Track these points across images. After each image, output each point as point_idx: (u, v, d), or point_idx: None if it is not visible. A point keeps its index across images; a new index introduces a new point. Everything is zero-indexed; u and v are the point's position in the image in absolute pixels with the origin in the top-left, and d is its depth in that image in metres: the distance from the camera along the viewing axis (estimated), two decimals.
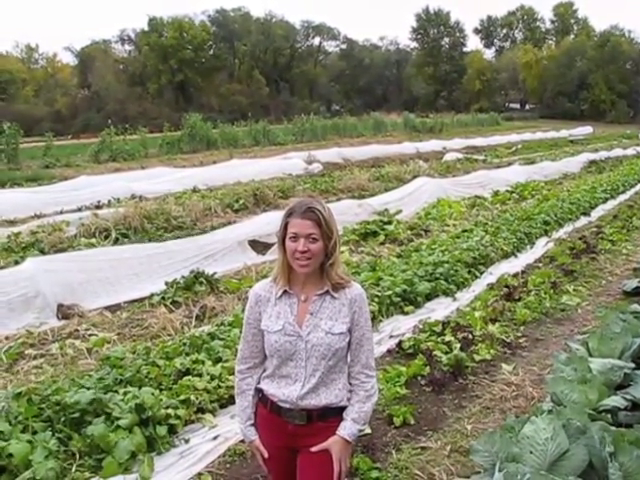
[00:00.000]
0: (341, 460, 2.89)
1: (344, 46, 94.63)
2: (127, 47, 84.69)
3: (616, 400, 4.41)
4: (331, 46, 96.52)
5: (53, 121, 58.97)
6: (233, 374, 5.50)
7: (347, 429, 2.89)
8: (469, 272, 9.36)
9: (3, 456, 4.28)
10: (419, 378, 6.04)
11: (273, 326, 2.89)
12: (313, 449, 2.90)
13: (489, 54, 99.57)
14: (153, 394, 5.07)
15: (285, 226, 2.82)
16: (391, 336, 7.19)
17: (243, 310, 5.99)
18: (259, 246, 10.87)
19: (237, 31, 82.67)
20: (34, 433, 4.58)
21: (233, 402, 5.41)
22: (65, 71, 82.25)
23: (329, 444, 2.88)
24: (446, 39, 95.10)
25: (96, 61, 74.64)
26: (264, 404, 3.01)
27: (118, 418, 4.71)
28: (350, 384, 2.96)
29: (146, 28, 78.66)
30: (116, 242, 11.49)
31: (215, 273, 9.18)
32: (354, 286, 2.93)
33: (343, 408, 2.93)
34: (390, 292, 7.90)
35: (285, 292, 2.91)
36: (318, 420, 2.91)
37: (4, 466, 4.26)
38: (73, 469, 4.43)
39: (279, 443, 3.00)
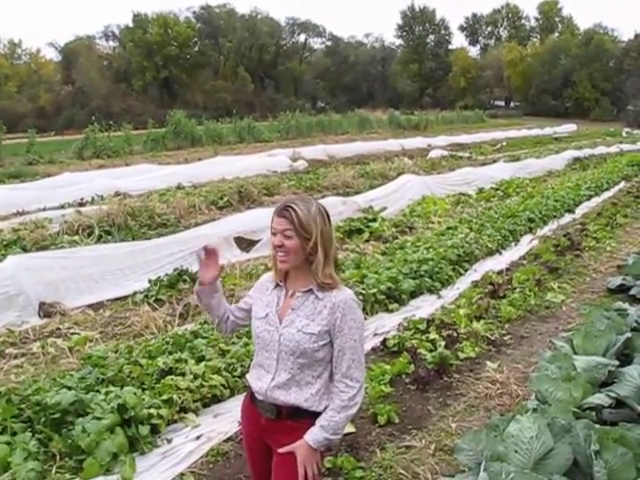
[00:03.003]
0: (305, 464, 2.85)
1: (329, 43, 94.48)
2: (111, 43, 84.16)
3: (600, 398, 4.40)
4: (316, 43, 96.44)
5: (36, 117, 58.48)
6: (216, 373, 5.53)
7: (313, 434, 2.84)
8: (454, 269, 9.36)
9: None
10: (403, 376, 6.02)
11: (260, 313, 2.98)
12: (280, 450, 2.90)
13: (474, 52, 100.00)
14: (135, 394, 5.01)
15: (271, 222, 2.90)
16: (375, 334, 7.17)
17: None
18: (243, 243, 10.82)
19: (222, 28, 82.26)
20: (13, 434, 4.53)
21: (216, 401, 5.45)
22: (49, 67, 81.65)
23: (295, 447, 2.86)
24: (431, 36, 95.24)
25: (80, 57, 74.04)
26: (249, 394, 3.08)
27: (100, 418, 4.65)
28: (331, 390, 2.91)
29: (130, 24, 78.17)
30: (99, 239, 11.38)
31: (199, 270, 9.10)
32: (343, 291, 2.90)
33: (318, 413, 2.89)
34: (375, 290, 7.87)
35: (278, 284, 2.99)
36: (288, 418, 2.90)
37: None
38: (53, 471, 4.37)
39: (254, 434, 3.07)
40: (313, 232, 2.83)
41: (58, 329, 7.50)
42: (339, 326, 2.84)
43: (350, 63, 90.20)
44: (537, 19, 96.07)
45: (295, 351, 2.84)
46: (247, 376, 3.10)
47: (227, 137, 36.90)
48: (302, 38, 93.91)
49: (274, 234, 2.86)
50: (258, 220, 11.08)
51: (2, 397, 4.89)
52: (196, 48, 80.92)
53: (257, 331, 2.96)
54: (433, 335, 6.81)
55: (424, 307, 8.10)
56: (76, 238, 11.39)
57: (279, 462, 2.93)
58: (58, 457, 4.48)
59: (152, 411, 4.93)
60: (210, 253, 3.10)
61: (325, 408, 2.88)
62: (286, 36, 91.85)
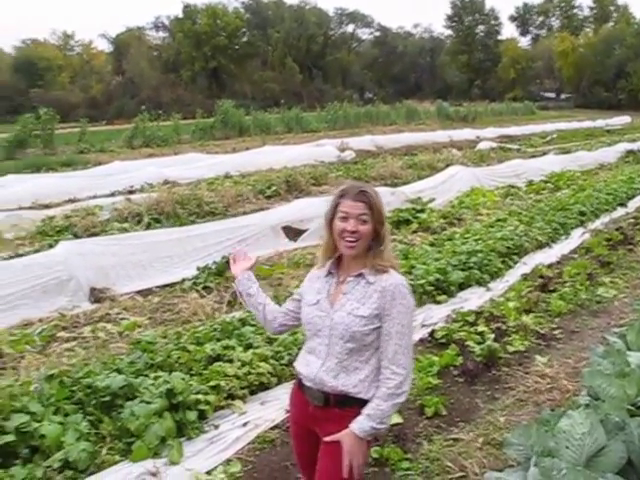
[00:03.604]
0: (351, 454, 2.80)
1: (378, 34, 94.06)
2: (161, 34, 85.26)
3: None
4: (365, 33, 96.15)
5: (88, 107, 59.49)
6: (264, 360, 5.55)
7: (358, 423, 2.80)
8: (503, 262, 9.24)
9: (36, 437, 4.32)
10: (451, 368, 5.96)
11: (311, 300, 2.97)
12: (326, 439, 2.88)
13: (524, 42, 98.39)
14: (183, 379, 5.06)
15: (335, 206, 2.87)
16: (423, 325, 7.11)
17: (275, 297, 5.99)
18: (291, 232, 10.84)
19: (270, 18, 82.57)
20: (65, 415, 4.62)
21: (263, 389, 5.48)
22: (100, 58, 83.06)
23: (341, 436, 2.82)
24: (481, 27, 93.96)
25: (130, 48, 75.13)
26: (298, 382, 3.08)
27: (148, 402, 4.71)
28: (379, 378, 2.88)
29: (180, 15, 78.98)
30: (148, 227, 11.53)
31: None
32: (393, 276, 2.89)
33: (366, 401, 2.85)
34: (423, 281, 7.81)
35: (330, 272, 2.98)
36: (335, 405, 2.88)
37: (37, 447, 4.30)
38: (104, 452, 4.46)
39: (301, 422, 3.07)
40: (385, 218, 2.88)
41: (108, 314, 7.62)
42: (388, 310, 2.82)
43: (398, 54, 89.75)
44: (591, 8, 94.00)
45: (344, 335, 2.82)
46: (295, 364, 3.09)
47: (275, 127, 37.08)
48: (350, 28, 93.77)
49: (344, 219, 2.83)
50: (306, 209, 11.11)
51: (55, 379, 5.00)
52: (244, 38, 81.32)
53: (308, 317, 2.96)
54: (482, 328, 6.73)
55: (473, 299, 8.00)
56: (125, 225, 11.57)
57: (325, 451, 2.91)
58: (108, 439, 4.56)
59: (200, 397, 4.97)
60: (238, 256, 3.34)
61: (373, 396, 2.84)
62: (334, 26, 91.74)
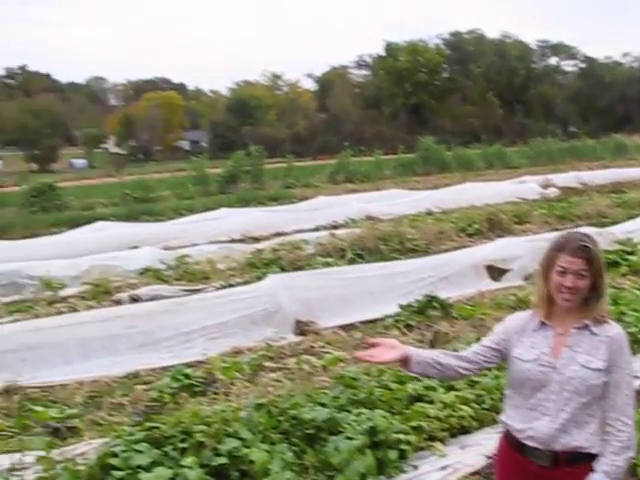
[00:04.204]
0: None
1: (583, 65, 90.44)
2: (363, 72, 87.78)
3: None
4: (569, 65, 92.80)
5: (293, 143, 62.37)
6: (465, 403, 5.48)
7: None
8: None
9: (246, 461, 4.53)
10: None
11: (527, 355, 2.85)
12: None
13: None
14: (385, 417, 5.10)
15: (552, 259, 2.81)
16: (636, 376, 6.69)
17: (477, 339, 5.89)
18: (494, 272, 10.64)
19: (471, 53, 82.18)
20: (272, 444, 4.78)
21: (464, 432, 5.41)
22: (306, 96, 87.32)
23: None
24: None
25: (334, 85, 78.01)
26: (508, 440, 2.94)
27: (351, 438, 4.80)
28: (605, 432, 2.77)
29: (382, 53, 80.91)
30: (351, 262, 11.76)
31: (449, 298, 9.11)
32: (613, 325, 2.83)
33: (594, 456, 2.74)
34: (634, 329, 7.34)
35: (542, 324, 2.87)
36: (565, 464, 2.76)
37: (246, 471, 4.51)
38: None
39: None
40: (603, 269, 2.81)
41: (312, 347, 7.84)
42: (617, 360, 2.75)
43: (605, 84, 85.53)
44: None
45: (579, 389, 2.73)
46: (507, 421, 2.95)
47: (476, 163, 36.65)
48: (554, 61, 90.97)
49: (562, 273, 2.76)
50: (508, 249, 10.88)
51: (263, 408, 5.24)
52: (445, 74, 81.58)
53: (527, 374, 2.82)
54: None
55: None
56: (329, 260, 11.88)
57: None
58: (311, 470, 4.67)
59: (401, 436, 4.99)
60: (365, 356, 2.85)
61: (600, 450, 2.75)
62: (536, 59, 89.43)
